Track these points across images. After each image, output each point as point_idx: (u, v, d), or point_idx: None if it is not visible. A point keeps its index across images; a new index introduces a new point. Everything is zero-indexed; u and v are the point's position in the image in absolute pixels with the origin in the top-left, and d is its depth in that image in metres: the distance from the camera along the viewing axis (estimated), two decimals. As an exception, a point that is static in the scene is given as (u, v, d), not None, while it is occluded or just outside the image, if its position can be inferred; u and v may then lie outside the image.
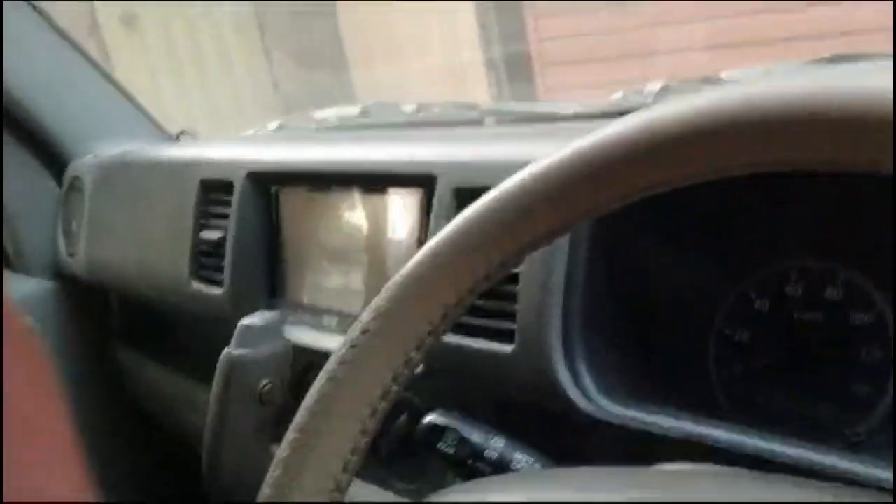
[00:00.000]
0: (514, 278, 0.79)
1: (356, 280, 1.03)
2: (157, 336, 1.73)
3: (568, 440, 0.77)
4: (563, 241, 0.76)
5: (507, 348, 0.79)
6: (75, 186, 1.68)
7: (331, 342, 0.95)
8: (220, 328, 1.45)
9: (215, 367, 1.51)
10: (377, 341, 0.53)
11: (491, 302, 0.80)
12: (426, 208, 0.92)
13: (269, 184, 1.13)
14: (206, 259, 1.21)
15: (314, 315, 1.08)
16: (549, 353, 0.75)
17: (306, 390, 0.60)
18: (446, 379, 0.87)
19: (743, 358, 0.84)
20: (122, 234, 1.44)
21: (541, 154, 0.80)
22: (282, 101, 5.36)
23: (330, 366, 0.54)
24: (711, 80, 1.24)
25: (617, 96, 1.34)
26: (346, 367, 0.54)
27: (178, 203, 1.28)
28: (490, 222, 0.52)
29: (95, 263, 1.55)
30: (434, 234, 0.86)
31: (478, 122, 1.38)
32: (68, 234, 1.70)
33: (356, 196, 1.01)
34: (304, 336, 1.02)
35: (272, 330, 0.82)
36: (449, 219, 0.86)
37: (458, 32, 5.38)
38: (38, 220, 1.75)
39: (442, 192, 0.87)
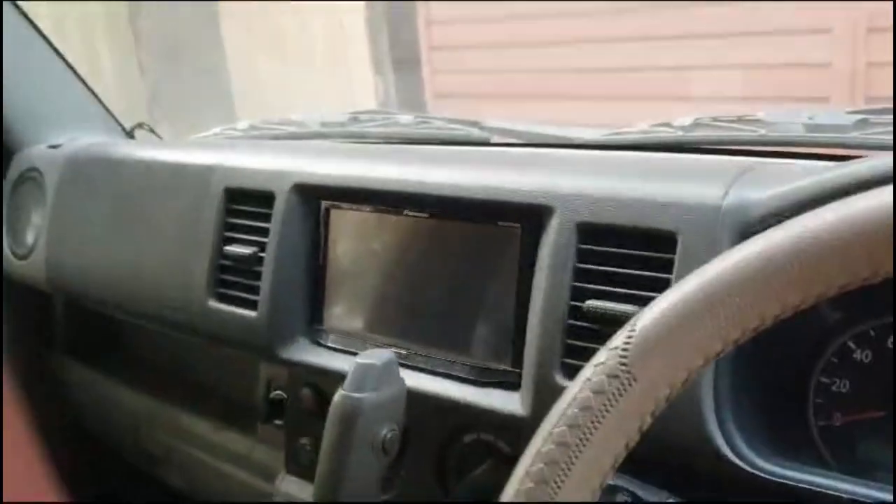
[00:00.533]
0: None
1: (419, 314, 0.95)
2: (113, 349, 1.57)
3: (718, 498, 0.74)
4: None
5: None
6: (29, 179, 1.50)
7: (431, 384, 0.88)
8: (193, 347, 1.34)
9: (188, 386, 1.41)
10: (654, 362, 0.51)
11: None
12: (526, 243, 0.87)
13: (321, 199, 1.04)
14: (230, 276, 1.10)
15: (360, 346, 0.99)
16: (702, 411, 0.72)
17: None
18: None
19: (843, 408, 0.83)
20: (103, 239, 1.29)
21: (657, 193, 0.78)
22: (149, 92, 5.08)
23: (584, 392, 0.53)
24: (746, 119, 1.25)
25: (642, 127, 1.33)
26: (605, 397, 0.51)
27: (189, 211, 1.15)
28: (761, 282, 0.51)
29: (60, 269, 1.39)
30: (545, 270, 0.82)
31: (485, 142, 1.33)
32: (15, 232, 1.52)
33: (430, 223, 0.94)
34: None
35: (391, 371, 0.74)
36: (567, 256, 0.82)
37: (343, 25, 5.31)
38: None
39: (561, 227, 0.82)
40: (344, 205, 1.02)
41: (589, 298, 0.79)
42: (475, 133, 1.36)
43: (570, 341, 0.80)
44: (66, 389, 1.62)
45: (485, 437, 0.91)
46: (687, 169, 0.83)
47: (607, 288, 0.79)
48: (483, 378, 0.89)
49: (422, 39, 5.09)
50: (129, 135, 1.66)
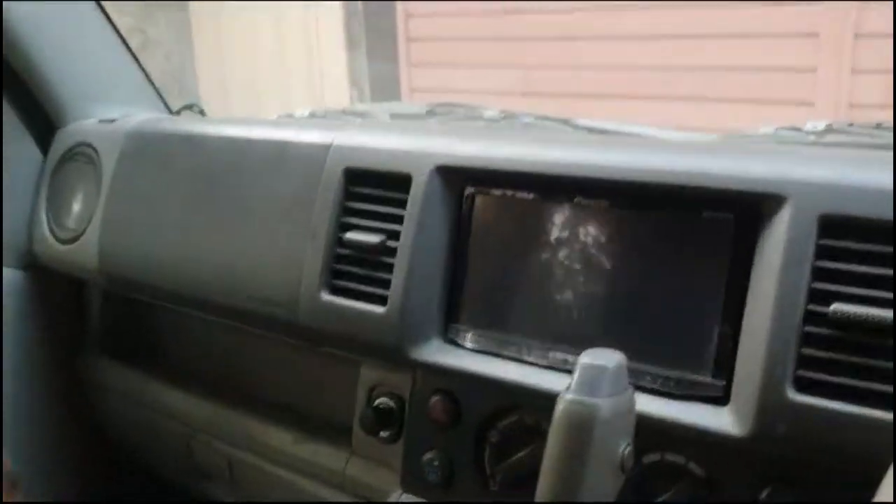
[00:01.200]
0: None
1: (591, 315, 0.84)
2: (158, 349, 1.42)
3: None
4: None
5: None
6: (79, 155, 1.35)
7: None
8: (264, 347, 1.20)
9: (257, 393, 1.26)
10: None
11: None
12: (741, 238, 0.76)
13: (465, 183, 0.92)
14: (349, 267, 0.97)
15: (517, 349, 0.88)
16: None
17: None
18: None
19: None
20: (178, 223, 1.15)
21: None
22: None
23: None
24: (885, 127, 1.17)
25: (766, 130, 1.24)
26: None
27: (296, 194, 1.03)
28: None
29: (116, 256, 1.24)
30: (773, 269, 0.71)
31: None
32: (59, 213, 1.36)
33: (611, 212, 0.83)
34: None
35: (622, 374, 0.63)
36: (805, 253, 0.72)
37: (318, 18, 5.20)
38: (14, 194, 1.39)
39: (797, 219, 0.72)
40: (494, 190, 0.91)
41: (832, 302, 0.69)
42: (569, 132, 1.26)
43: (805, 350, 0.70)
44: (97, 394, 1.46)
45: (671, 459, 0.80)
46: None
47: (854, 290, 0.69)
48: (678, 390, 0.78)
49: (400, 33, 4.98)
50: (175, 115, 1.53)
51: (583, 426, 0.60)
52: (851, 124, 1.21)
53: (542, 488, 0.61)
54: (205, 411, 1.27)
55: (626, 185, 0.81)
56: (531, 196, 0.88)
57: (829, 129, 1.20)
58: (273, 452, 1.17)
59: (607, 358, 0.63)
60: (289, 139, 1.06)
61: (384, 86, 5.08)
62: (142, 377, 1.38)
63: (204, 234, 1.12)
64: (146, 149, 1.24)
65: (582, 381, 0.62)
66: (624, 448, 0.62)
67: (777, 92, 3.82)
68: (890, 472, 0.45)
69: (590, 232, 0.85)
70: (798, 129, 1.22)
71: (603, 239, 0.84)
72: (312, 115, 1.48)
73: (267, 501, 1.22)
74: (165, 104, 1.56)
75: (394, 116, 1.42)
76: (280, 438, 1.16)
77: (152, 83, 1.54)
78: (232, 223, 1.09)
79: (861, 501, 0.61)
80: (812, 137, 1.16)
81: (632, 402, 0.64)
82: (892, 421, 0.66)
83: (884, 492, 0.46)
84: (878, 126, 1.18)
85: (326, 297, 0.98)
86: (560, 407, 0.62)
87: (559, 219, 0.87)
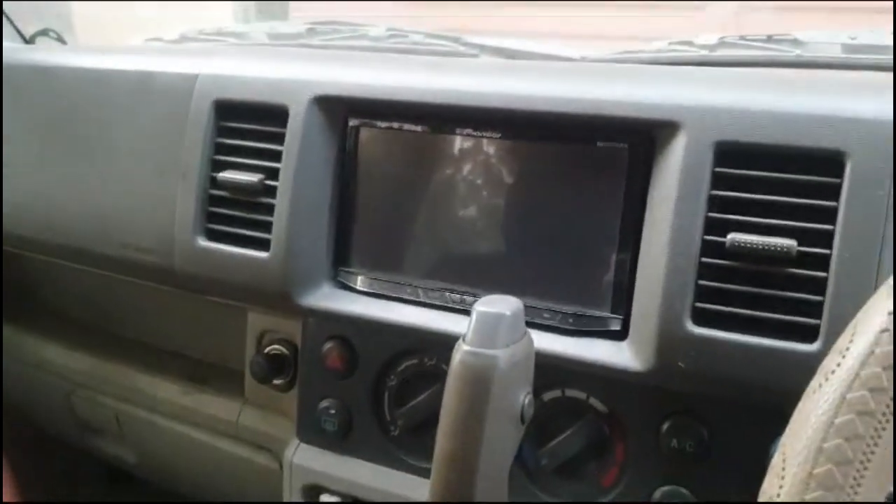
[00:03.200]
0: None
1: (486, 253, 0.80)
2: (31, 301, 1.31)
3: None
4: None
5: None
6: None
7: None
8: (144, 296, 1.11)
9: (143, 344, 1.17)
10: None
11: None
12: (635, 168, 0.73)
13: (349, 115, 0.85)
14: (226, 210, 0.90)
15: (412, 291, 0.84)
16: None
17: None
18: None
19: None
20: (40, 167, 1.04)
21: (817, 107, 0.66)
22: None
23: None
24: (778, 39, 1.15)
25: (659, 45, 1.21)
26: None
27: (163, 131, 0.93)
28: None
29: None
30: (669, 200, 0.68)
31: (473, 56, 1.18)
32: None
33: (502, 144, 0.79)
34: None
35: (520, 321, 0.59)
36: (701, 182, 0.69)
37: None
38: None
39: (692, 147, 0.69)
40: (380, 123, 0.84)
41: (729, 231, 0.67)
42: (461, 49, 1.20)
43: (703, 282, 0.68)
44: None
45: (572, 395, 0.78)
46: (832, 83, 0.72)
47: (751, 219, 0.67)
48: (577, 326, 0.76)
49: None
50: (29, 43, 1.37)
51: (481, 380, 0.57)
52: (743, 37, 1.19)
53: (442, 447, 0.58)
54: (85, 364, 1.19)
55: (519, 116, 0.76)
56: (420, 128, 0.82)
57: (721, 43, 1.17)
58: (162, 404, 1.10)
59: (504, 305, 0.59)
60: (152, 69, 0.96)
61: (270, 8, 4.82)
62: (15, 331, 1.28)
63: (67, 176, 1.01)
64: (12, 86, 1.11)
65: (478, 330, 0.58)
66: (524, 398, 0.59)
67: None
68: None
69: (482, 165, 0.80)
70: (690, 43, 1.19)
71: (495, 172, 0.80)
72: (183, 38, 1.35)
73: (159, 454, 1.16)
74: (18, 31, 1.40)
75: (272, 37, 1.32)
76: (168, 389, 1.10)
77: (-1, 6, 1.38)
78: (96, 164, 0.99)
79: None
80: (704, 52, 1.13)
81: (530, 349, 0.61)
82: (788, 349, 0.65)
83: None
84: (769, 39, 1.16)
85: (203, 242, 0.90)
86: (456, 359, 0.58)
87: (450, 152, 0.81)
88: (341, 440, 0.89)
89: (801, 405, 0.45)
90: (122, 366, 1.15)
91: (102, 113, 0.98)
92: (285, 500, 0.94)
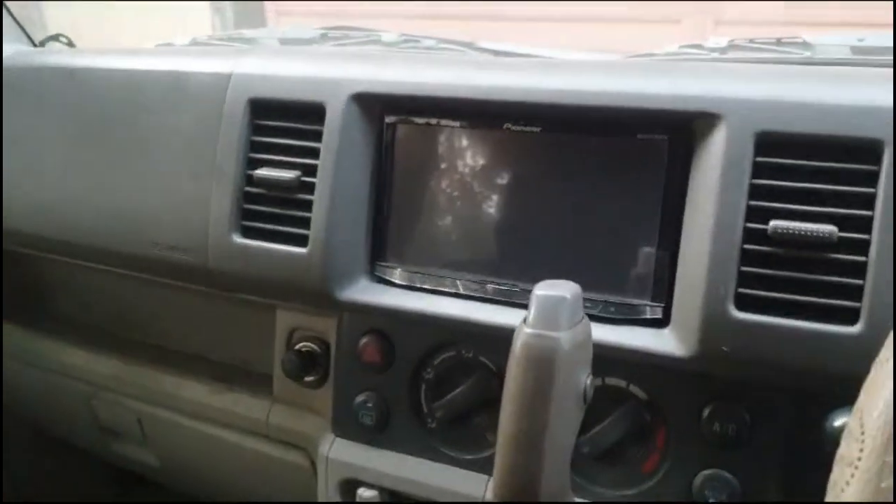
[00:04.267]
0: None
1: (525, 245, 0.82)
2: (51, 306, 1.31)
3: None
4: None
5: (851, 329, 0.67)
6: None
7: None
8: (168, 298, 1.12)
9: (167, 346, 1.17)
10: None
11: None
12: (675, 159, 0.75)
13: (385, 112, 0.87)
14: (261, 207, 0.91)
15: (450, 283, 0.85)
16: None
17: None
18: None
19: None
20: (67, 168, 1.04)
21: (856, 98, 0.69)
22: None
23: None
24: (788, 41, 1.18)
25: (670, 49, 1.24)
26: None
27: (197, 131, 0.94)
28: None
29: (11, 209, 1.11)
30: (711, 189, 0.70)
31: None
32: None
33: (542, 138, 0.80)
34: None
35: (579, 305, 0.61)
36: (742, 172, 0.71)
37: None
38: None
39: (733, 138, 0.71)
40: (417, 118, 0.86)
41: (771, 219, 0.69)
42: (474, 55, 1.22)
43: (746, 268, 0.70)
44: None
45: (612, 383, 0.80)
46: (868, 75, 0.74)
47: (792, 206, 0.69)
48: (618, 315, 0.78)
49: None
50: (39, 47, 1.38)
51: (546, 360, 0.58)
52: (752, 40, 1.22)
53: (507, 429, 0.59)
54: (108, 368, 1.19)
55: (559, 110, 0.78)
56: (458, 124, 0.84)
57: (731, 46, 1.20)
58: (188, 405, 1.11)
59: (564, 288, 0.60)
60: (184, 69, 0.97)
61: (247, 9, 4.81)
62: (35, 337, 1.27)
63: (96, 177, 1.02)
64: (17, 85, 1.11)
65: (540, 313, 0.59)
66: (586, 378, 0.61)
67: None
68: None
69: (521, 159, 0.82)
70: (700, 46, 1.22)
71: (535, 166, 0.81)
72: (195, 44, 1.37)
73: (184, 457, 1.16)
74: (28, 36, 1.40)
75: (284, 42, 1.33)
76: (195, 390, 1.10)
77: (10, 13, 1.38)
78: (128, 164, 0.99)
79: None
80: (715, 54, 1.16)
81: (589, 331, 0.62)
82: (830, 331, 0.67)
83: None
84: (779, 42, 1.19)
85: (238, 240, 0.91)
86: (520, 341, 0.59)
87: (489, 147, 0.83)
88: (378, 434, 0.90)
89: (873, 373, 0.46)
90: (145, 368, 1.15)
91: (134, 113, 0.99)
92: (320, 496, 0.94)
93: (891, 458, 0.43)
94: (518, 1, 3.90)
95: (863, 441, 0.44)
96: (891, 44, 1.09)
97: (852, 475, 0.44)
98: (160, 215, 0.96)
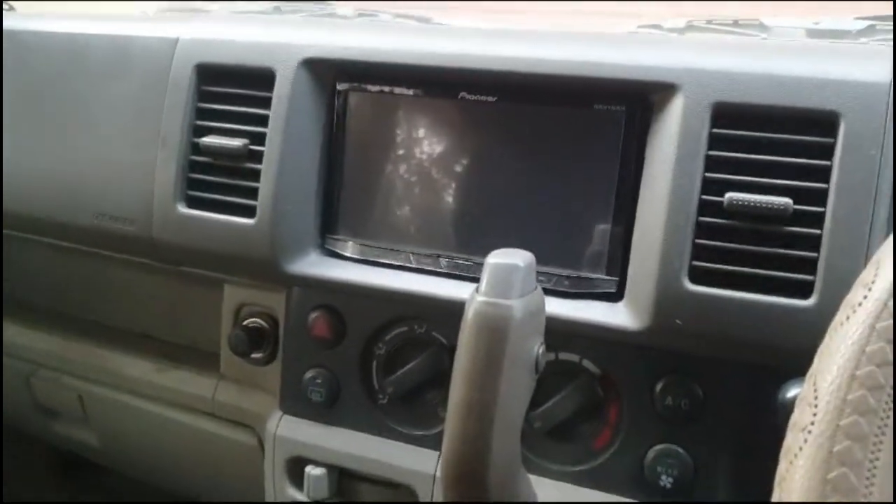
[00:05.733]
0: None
1: (481, 217, 0.80)
2: (8, 284, 1.25)
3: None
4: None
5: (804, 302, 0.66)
6: None
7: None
8: (107, 271, 1.08)
9: (108, 322, 1.12)
10: None
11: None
12: (631, 130, 0.74)
13: (337, 79, 0.84)
14: (208, 176, 0.88)
15: (403, 257, 0.83)
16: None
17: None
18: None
19: None
20: (9, 138, 1.00)
21: (812, 70, 0.68)
22: None
23: None
24: (744, 23, 1.18)
25: (629, 29, 1.23)
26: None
27: (141, 97, 0.91)
28: None
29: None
30: (666, 161, 0.69)
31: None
32: None
33: (498, 107, 0.78)
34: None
35: (532, 273, 0.59)
36: (698, 143, 0.70)
37: None
38: None
39: (689, 109, 0.70)
40: (370, 86, 0.83)
41: (727, 191, 0.68)
42: (434, 28, 1.20)
43: (701, 241, 0.69)
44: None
45: (565, 357, 0.79)
46: (825, 49, 0.74)
47: (748, 178, 0.69)
48: (572, 289, 0.76)
49: None
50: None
51: (497, 329, 0.56)
52: (710, 21, 1.21)
53: (457, 397, 0.57)
54: (49, 344, 1.15)
55: (515, 78, 0.76)
56: (412, 92, 0.81)
57: (689, 27, 1.19)
58: (132, 383, 1.07)
59: (517, 257, 0.59)
60: (128, 34, 0.93)
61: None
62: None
63: (36, 144, 0.98)
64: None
65: (493, 281, 0.58)
66: (538, 348, 0.59)
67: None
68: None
69: (477, 130, 0.80)
70: (658, 27, 1.21)
71: (490, 137, 0.80)
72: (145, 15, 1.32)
73: (127, 436, 1.12)
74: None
75: (236, 15, 1.30)
76: (140, 367, 1.07)
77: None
78: (69, 131, 0.95)
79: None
80: (674, 35, 1.15)
81: (542, 300, 0.61)
82: (785, 304, 0.67)
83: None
84: (736, 23, 1.18)
85: (183, 210, 0.88)
86: (471, 309, 0.57)
87: (444, 117, 0.81)
88: (327, 410, 0.88)
89: (827, 339, 0.46)
90: (88, 345, 1.12)
91: (77, 79, 0.95)
92: (267, 475, 0.92)
93: (844, 423, 0.42)
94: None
95: (816, 406, 0.44)
96: (844, 27, 1.10)
97: (805, 440, 0.43)
98: (103, 185, 0.93)
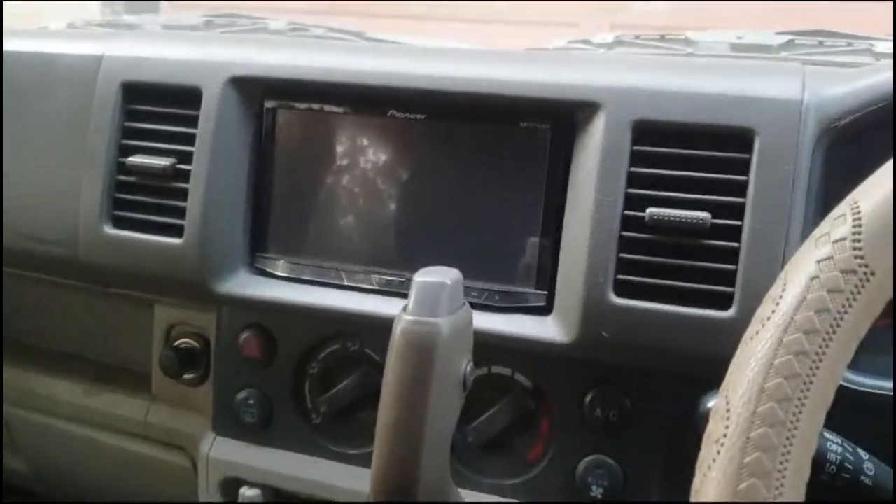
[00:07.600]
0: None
1: (410, 235, 0.81)
2: None
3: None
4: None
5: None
6: None
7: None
8: (35, 290, 1.05)
9: (35, 344, 1.09)
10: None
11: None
12: (557, 147, 0.75)
13: (265, 97, 0.84)
14: (135, 196, 0.86)
15: (335, 274, 0.83)
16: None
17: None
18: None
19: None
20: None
21: (728, 88, 0.70)
22: None
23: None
24: (671, 38, 1.22)
25: (558, 44, 1.25)
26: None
27: (66, 116, 0.89)
28: None
29: None
30: (590, 178, 0.70)
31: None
32: None
33: (426, 125, 0.79)
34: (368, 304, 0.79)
35: (459, 290, 0.60)
36: (620, 160, 0.72)
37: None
38: None
39: (611, 127, 0.71)
40: (298, 104, 0.83)
41: (648, 206, 0.70)
42: (365, 45, 1.20)
43: (624, 255, 0.71)
44: None
45: (497, 371, 0.79)
46: (742, 67, 0.76)
47: (668, 194, 0.71)
48: (502, 303, 0.77)
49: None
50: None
51: (425, 347, 0.57)
52: (638, 36, 1.24)
53: (386, 417, 0.57)
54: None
55: (443, 96, 0.77)
56: (341, 110, 0.81)
57: (617, 42, 1.22)
58: (61, 407, 1.04)
59: (444, 275, 0.59)
60: (52, 51, 0.91)
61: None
62: None
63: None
64: None
65: (420, 300, 0.58)
66: (465, 365, 0.60)
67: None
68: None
69: (406, 147, 0.81)
70: (588, 42, 1.23)
71: (419, 154, 0.80)
72: (71, 28, 1.30)
73: (57, 461, 1.09)
74: None
75: (167, 28, 1.28)
76: (68, 391, 1.04)
77: None
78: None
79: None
80: (602, 50, 1.17)
81: (470, 318, 0.61)
82: (705, 316, 0.68)
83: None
84: (663, 38, 1.21)
85: (110, 230, 0.86)
86: (399, 328, 0.57)
87: (373, 134, 0.81)
88: (261, 431, 0.87)
89: (738, 352, 0.47)
90: (14, 367, 1.08)
91: (1, 98, 0.92)
92: (201, 497, 0.91)
93: (754, 434, 0.44)
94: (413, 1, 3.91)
95: (728, 419, 0.45)
96: (766, 41, 1.13)
97: (718, 452, 0.44)
98: (28, 205, 0.91)
